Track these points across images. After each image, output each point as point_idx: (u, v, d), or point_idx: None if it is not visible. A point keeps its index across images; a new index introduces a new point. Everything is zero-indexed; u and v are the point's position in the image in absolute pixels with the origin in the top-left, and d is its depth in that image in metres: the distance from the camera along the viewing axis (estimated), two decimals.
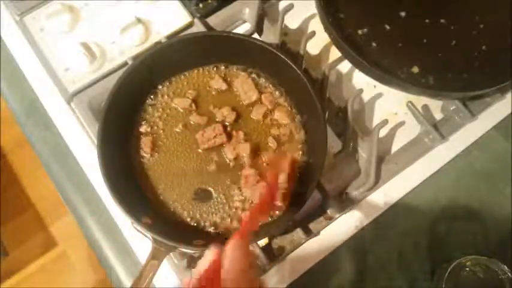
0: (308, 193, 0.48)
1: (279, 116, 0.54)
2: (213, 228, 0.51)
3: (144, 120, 0.54)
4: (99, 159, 0.47)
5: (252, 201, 0.51)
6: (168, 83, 0.56)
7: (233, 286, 0.36)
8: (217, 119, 0.54)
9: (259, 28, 0.62)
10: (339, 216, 0.54)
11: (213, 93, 0.55)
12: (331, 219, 0.53)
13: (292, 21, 0.64)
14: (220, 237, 0.50)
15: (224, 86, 0.55)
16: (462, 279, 0.48)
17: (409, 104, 0.58)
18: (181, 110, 0.54)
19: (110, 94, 0.50)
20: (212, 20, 0.61)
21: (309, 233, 0.52)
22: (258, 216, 0.46)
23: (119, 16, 0.59)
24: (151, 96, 0.55)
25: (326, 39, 0.61)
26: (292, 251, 0.52)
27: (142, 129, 0.54)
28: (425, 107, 0.60)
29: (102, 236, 0.54)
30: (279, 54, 0.52)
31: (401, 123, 0.59)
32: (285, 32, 0.62)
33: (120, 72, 0.51)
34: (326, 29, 0.59)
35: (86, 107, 0.55)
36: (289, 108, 0.55)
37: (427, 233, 0.55)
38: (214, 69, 0.56)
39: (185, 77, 0.56)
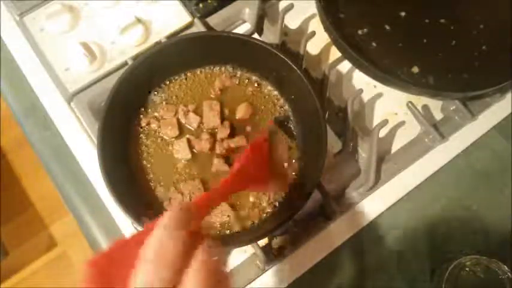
0: (308, 193, 0.48)
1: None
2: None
3: (144, 120, 0.54)
4: (99, 159, 0.47)
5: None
6: (168, 83, 0.56)
7: None
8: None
9: (259, 28, 0.62)
10: (339, 216, 0.54)
11: (213, 94, 0.56)
12: (331, 219, 0.53)
13: (292, 21, 0.64)
14: (221, 237, 0.50)
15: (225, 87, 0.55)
16: (462, 279, 0.48)
17: (409, 104, 0.58)
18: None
19: (110, 94, 0.50)
20: (212, 20, 0.61)
21: (309, 233, 0.53)
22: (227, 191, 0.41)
23: (119, 16, 0.59)
24: (151, 96, 0.55)
25: (326, 39, 0.61)
26: (292, 251, 0.52)
27: (143, 129, 0.54)
28: (425, 107, 0.60)
29: (102, 236, 0.54)
30: (279, 54, 0.52)
31: (401, 123, 0.59)
32: (285, 32, 0.62)
33: (120, 72, 0.51)
34: (326, 29, 0.59)
35: (86, 107, 0.55)
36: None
37: (427, 233, 0.55)
38: (215, 69, 0.56)
39: (185, 77, 0.56)
